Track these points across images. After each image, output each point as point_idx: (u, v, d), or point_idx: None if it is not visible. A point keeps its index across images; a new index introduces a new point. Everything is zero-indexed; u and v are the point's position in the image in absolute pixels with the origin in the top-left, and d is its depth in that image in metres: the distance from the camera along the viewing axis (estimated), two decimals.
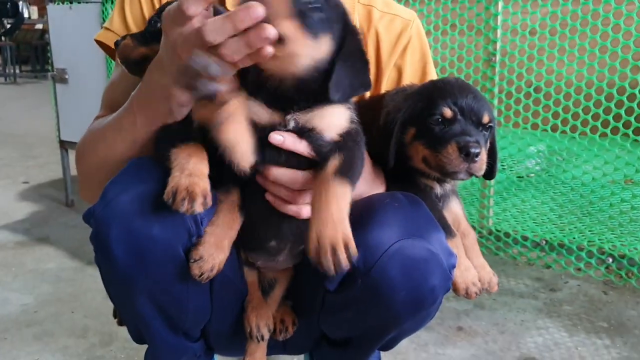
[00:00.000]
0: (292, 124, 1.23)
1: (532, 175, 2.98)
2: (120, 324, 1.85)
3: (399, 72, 1.73)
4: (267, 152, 1.25)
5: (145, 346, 1.75)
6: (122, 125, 1.45)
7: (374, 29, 1.70)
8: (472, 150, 1.31)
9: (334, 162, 1.22)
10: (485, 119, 1.38)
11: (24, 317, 2.87)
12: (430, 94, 1.41)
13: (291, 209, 1.33)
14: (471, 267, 1.45)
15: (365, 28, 1.69)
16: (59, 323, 2.80)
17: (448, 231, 1.44)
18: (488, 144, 1.42)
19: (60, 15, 4.11)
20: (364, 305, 1.37)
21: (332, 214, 1.17)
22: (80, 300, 3.01)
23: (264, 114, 1.23)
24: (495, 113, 2.55)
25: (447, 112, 1.36)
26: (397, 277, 1.30)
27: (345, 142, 1.24)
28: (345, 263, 1.16)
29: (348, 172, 1.21)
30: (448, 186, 1.54)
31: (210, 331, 1.66)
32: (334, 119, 1.25)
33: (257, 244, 1.44)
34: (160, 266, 1.38)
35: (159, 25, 1.42)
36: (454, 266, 1.38)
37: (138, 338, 1.71)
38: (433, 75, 1.76)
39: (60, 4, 4.15)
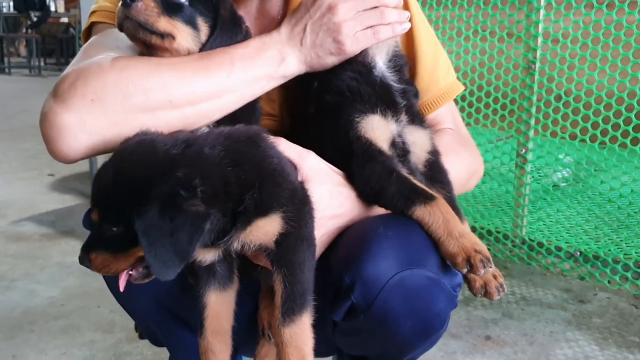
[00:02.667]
0: (235, 247, 1.20)
1: (565, 184, 2.94)
2: (141, 337, 1.84)
3: None
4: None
5: None
6: (204, 66, 1.33)
7: None
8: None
9: (279, 292, 1.18)
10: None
11: (51, 309, 2.89)
12: None
13: (260, 263, 1.31)
14: (468, 234, 1.23)
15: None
16: (86, 317, 2.82)
17: (425, 196, 1.27)
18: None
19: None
20: (372, 334, 1.35)
21: None
22: (106, 295, 2.96)
23: (209, 256, 1.24)
24: (533, 121, 2.52)
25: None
26: (400, 310, 1.27)
27: (283, 247, 1.18)
28: None
29: (297, 301, 1.17)
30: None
31: None
32: (267, 228, 1.19)
33: (241, 270, 1.41)
34: None
35: None
36: (459, 284, 1.32)
37: (156, 341, 1.71)
38: (418, 22, 1.62)
39: None
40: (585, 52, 2.36)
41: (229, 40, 1.37)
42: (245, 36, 1.42)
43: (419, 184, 1.30)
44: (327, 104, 1.41)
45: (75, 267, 3.36)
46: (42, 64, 13.39)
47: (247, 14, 1.58)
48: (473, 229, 2.73)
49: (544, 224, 2.62)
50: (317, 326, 1.59)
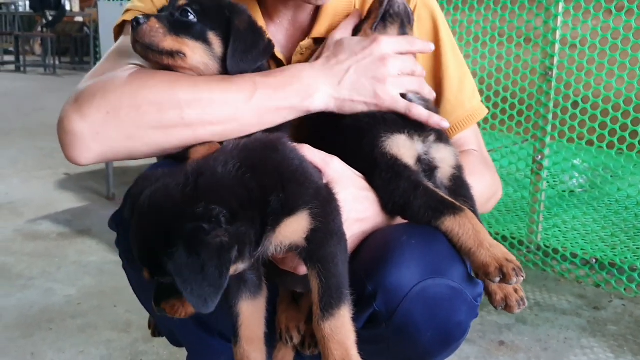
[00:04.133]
0: (271, 251, 1.22)
1: (581, 190, 2.93)
2: (154, 334, 1.86)
3: None
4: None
5: None
6: (223, 88, 1.35)
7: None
8: None
9: (315, 288, 1.19)
10: None
11: (68, 308, 2.92)
12: None
13: (287, 269, 1.33)
14: (498, 244, 1.24)
15: (432, 33, 1.64)
16: (102, 316, 2.85)
17: (454, 207, 1.28)
18: None
19: (111, 11, 4.18)
20: (393, 343, 1.35)
21: (336, 358, 1.17)
22: (122, 294, 3.05)
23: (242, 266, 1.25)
24: (549, 128, 2.52)
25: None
26: (421, 319, 1.28)
27: (314, 243, 1.20)
28: None
29: (334, 295, 1.18)
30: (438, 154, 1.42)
31: None
32: (295, 227, 1.21)
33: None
34: None
35: (190, 17, 1.33)
36: (480, 295, 1.33)
37: (175, 341, 1.73)
38: (446, 47, 1.63)
39: (112, 0, 4.22)
40: (603, 58, 2.36)
41: (249, 50, 1.38)
42: (268, 47, 1.43)
43: (446, 196, 1.31)
44: (348, 126, 1.42)
45: (92, 266, 3.40)
46: (57, 62, 13.48)
47: (280, 25, 1.61)
48: None
49: (559, 231, 2.62)
50: None
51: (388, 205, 1.35)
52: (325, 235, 1.20)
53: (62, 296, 3.04)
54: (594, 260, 2.39)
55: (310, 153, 1.30)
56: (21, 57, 13.28)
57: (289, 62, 1.57)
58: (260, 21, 1.54)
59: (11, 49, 14.56)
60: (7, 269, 3.34)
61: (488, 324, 2.81)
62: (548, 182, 2.61)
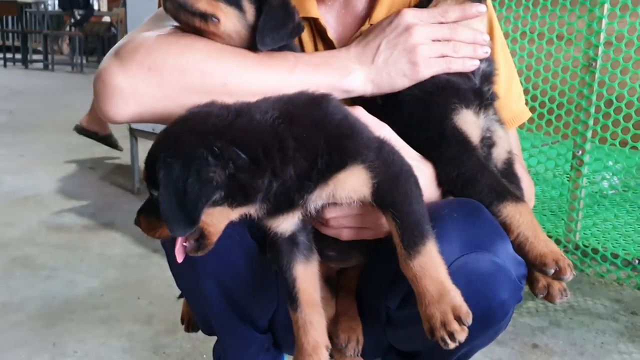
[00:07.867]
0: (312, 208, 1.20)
1: (613, 192, 2.83)
2: (187, 329, 1.84)
3: None
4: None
5: (212, 338, 1.73)
6: (267, 60, 1.34)
7: None
8: None
9: (393, 230, 1.16)
10: None
11: (91, 300, 2.89)
12: None
13: (330, 232, 1.30)
14: (552, 242, 1.25)
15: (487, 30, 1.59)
16: (125, 308, 2.81)
17: (516, 196, 1.28)
18: None
19: (140, 10, 4.15)
20: None
21: (432, 294, 1.12)
22: (145, 287, 3.02)
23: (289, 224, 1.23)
24: (592, 122, 2.42)
25: None
26: (462, 294, 1.19)
27: (381, 192, 1.17)
28: (460, 334, 1.10)
29: (414, 233, 1.14)
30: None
31: (277, 325, 1.62)
32: (353, 181, 1.18)
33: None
34: (228, 249, 1.36)
35: None
36: (524, 276, 1.27)
37: (206, 328, 1.69)
38: (498, 47, 1.60)
39: None
40: None
41: (278, 27, 1.35)
42: (297, 29, 1.40)
43: (508, 185, 1.30)
44: (413, 96, 1.40)
45: (115, 259, 3.37)
46: (84, 61, 13.63)
47: (331, 7, 1.58)
48: None
49: (598, 230, 2.52)
50: (368, 324, 1.54)
51: (451, 175, 1.31)
52: (390, 181, 1.17)
53: (84, 288, 3.01)
54: (637, 261, 2.28)
55: (363, 115, 1.29)
56: (49, 56, 13.43)
57: (343, 46, 1.51)
58: (312, 2, 1.52)
59: (40, 47, 14.74)
60: (31, 260, 3.32)
61: (521, 326, 2.72)
62: (588, 178, 2.50)
